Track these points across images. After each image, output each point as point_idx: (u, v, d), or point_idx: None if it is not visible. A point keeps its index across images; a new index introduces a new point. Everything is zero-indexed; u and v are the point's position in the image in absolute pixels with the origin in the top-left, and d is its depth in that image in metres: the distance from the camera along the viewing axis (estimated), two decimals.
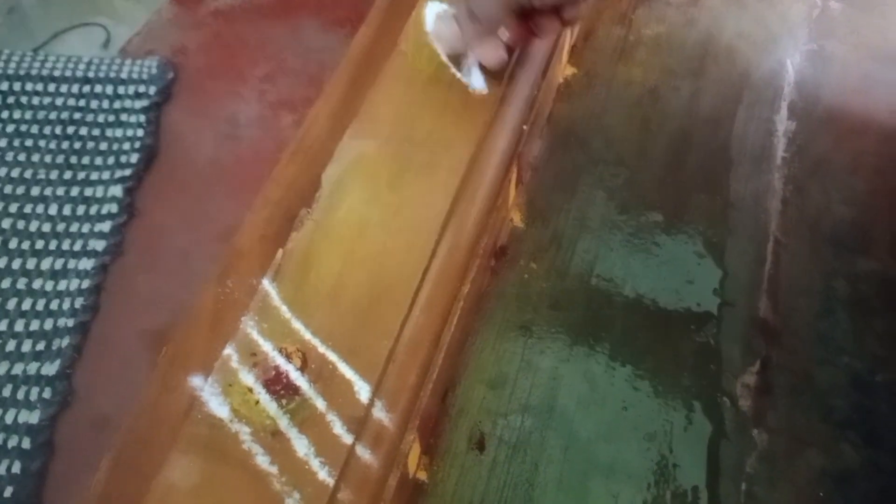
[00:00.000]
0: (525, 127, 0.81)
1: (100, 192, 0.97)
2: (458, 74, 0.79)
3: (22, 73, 1.10)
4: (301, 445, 0.57)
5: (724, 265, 0.82)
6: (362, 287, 0.65)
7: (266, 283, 0.65)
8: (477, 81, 0.78)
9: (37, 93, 1.07)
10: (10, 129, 1.03)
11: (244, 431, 0.57)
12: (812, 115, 0.96)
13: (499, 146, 0.77)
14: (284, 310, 0.63)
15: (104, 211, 0.95)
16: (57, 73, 1.09)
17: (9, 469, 0.75)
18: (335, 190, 0.71)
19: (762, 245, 0.83)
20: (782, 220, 0.85)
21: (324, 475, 0.55)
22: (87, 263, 0.90)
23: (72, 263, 0.90)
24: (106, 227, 0.94)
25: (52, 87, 1.08)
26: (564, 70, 0.98)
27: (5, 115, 1.05)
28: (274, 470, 0.56)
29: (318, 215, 0.69)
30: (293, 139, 0.81)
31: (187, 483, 0.56)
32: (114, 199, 0.96)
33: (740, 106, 0.96)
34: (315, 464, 0.56)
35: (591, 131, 0.93)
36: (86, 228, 0.93)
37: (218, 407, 0.59)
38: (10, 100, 1.07)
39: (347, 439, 0.57)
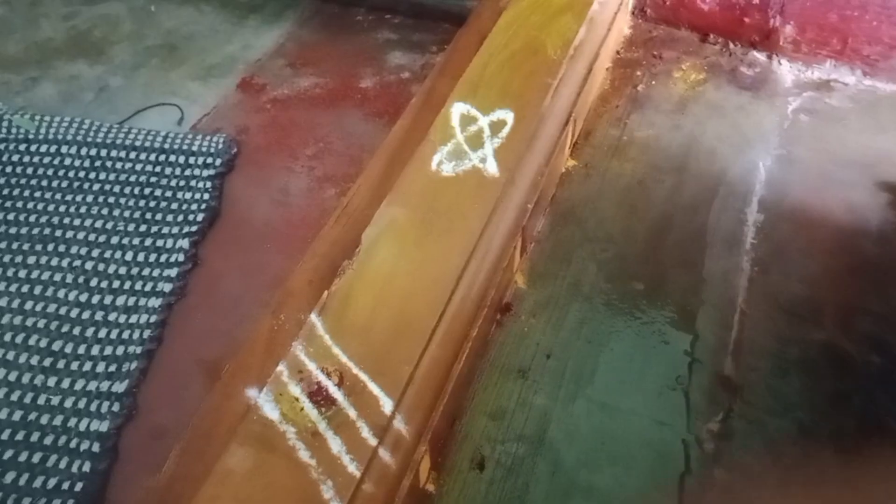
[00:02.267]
0: (529, 206, 0.97)
1: (169, 243, 1.14)
2: (476, 161, 0.96)
3: (108, 141, 1.30)
4: (335, 445, 0.70)
5: (696, 330, 0.96)
6: (390, 324, 0.80)
7: (313, 317, 0.80)
8: (491, 167, 0.96)
9: (120, 159, 1.27)
10: (96, 188, 1.22)
11: (290, 431, 0.71)
12: (778, 207, 1.12)
13: (506, 219, 0.93)
14: (327, 338, 0.78)
15: (172, 259, 1.12)
16: (138, 144, 1.29)
17: (80, 468, 0.89)
18: (372, 247, 0.87)
19: (729, 315, 0.98)
20: (747, 295, 1.00)
21: (352, 469, 0.69)
22: (155, 302, 1.06)
23: (142, 301, 1.06)
24: (173, 272, 1.10)
25: (133, 156, 1.27)
26: (567, 162, 1.16)
27: (93, 176, 1.24)
28: (313, 462, 0.69)
29: (357, 266, 0.85)
30: (339, 205, 0.98)
31: (242, 468, 0.69)
32: (181, 249, 1.13)
33: (716, 198, 1.13)
34: (346, 460, 0.69)
35: (587, 213, 1.09)
36: (156, 273, 1.10)
37: (270, 411, 0.73)
38: (98, 164, 1.26)
39: (372, 442, 0.71)
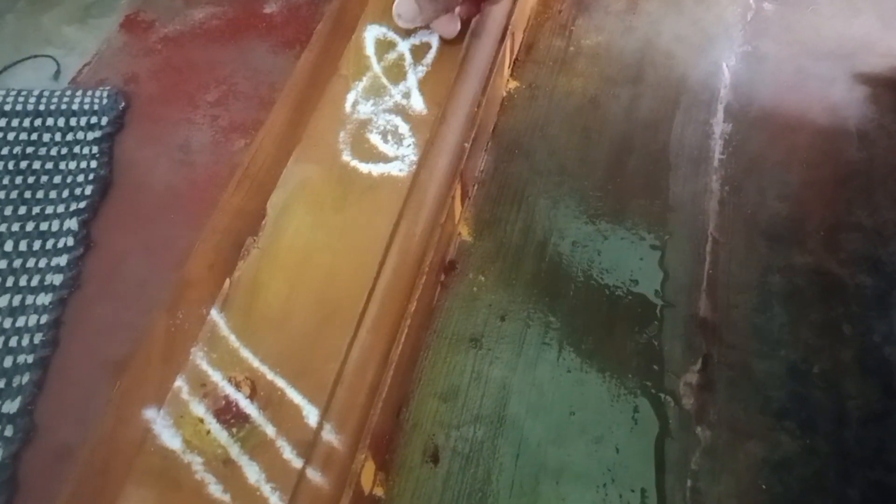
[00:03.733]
0: (466, 144, 0.83)
1: (55, 225, 0.97)
2: (399, 97, 0.81)
3: None
4: (252, 472, 0.58)
5: (665, 267, 0.85)
6: (309, 311, 0.67)
7: (214, 313, 0.67)
8: (416, 102, 0.80)
9: None
10: None
11: (196, 461, 0.59)
12: (747, 115, 0.99)
13: (440, 165, 0.79)
14: (233, 339, 0.65)
15: (60, 244, 0.96)
16: (7, 108, 1.09)
17: None
18: (280, 216, 0.73)
19: (701, 245, 0.87)
20: (720, 220, 0.89)
21: (275, 500, 0.57)
22: (45, 298, 0.91)
23: (30, 299, 0.91)
24: (63, 260, 0.95)
25: (2, 122, 1.08)
26: (507, 84, 1.00)
27: None
28: (226, 498, 0.57)
29: (264, 242, 0.71)
30: (240, 166, 0.83)
31: None
32: (70, 232, 0.97)
33: (678, 110, 0.99)
34: (266, 489, 0.58)
35: (535, 142, 0.95)
36: (43, 263, 0.94)
37: (170, 439, 0.60)
38: None
39: (297, 464, 0.59)
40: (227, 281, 0.68)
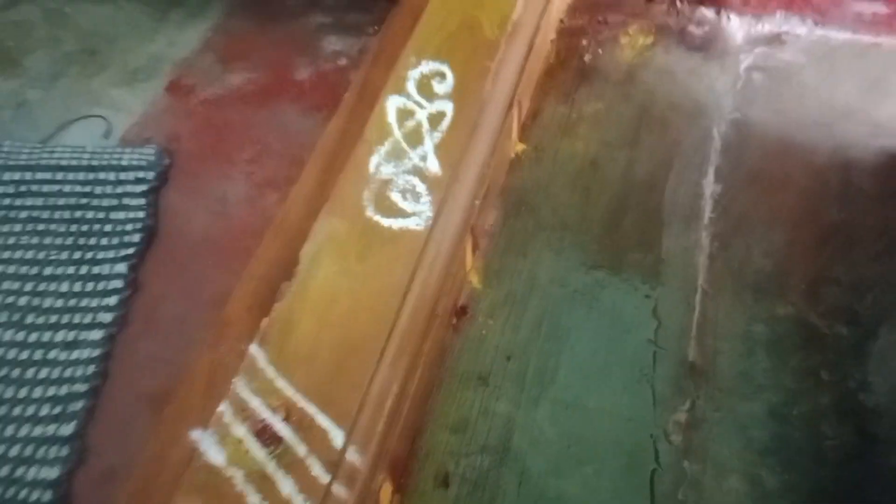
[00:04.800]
0: (477, 201, 0.93)
1: (106, 269, 1.08)
2: (417, 160, 0.91)
3: (32, 163, 1.22)
4: (286, 486, 0.66)
5: (658, 315, 0.93)
6: (336, 348, 0.75)
7: (253, 349, 0.76)
8: (433, 165, 0.91)
9: (46, 181, 1.19)
10: (23, 215, 1.15)
11: (237, 476, 0.67)
12: (736, 177, 1.08)
13: (453, 220, 0.89)
14: (270, 370, 0.74)
15: (111, 286, 1.06)
16: (64, 163, 1.21)
17: None
18: (311, 264, 0.83)
19: (691, 296, 0.95)
20: (709, 273, 0.97)
21: None
22: (96, 334, 1.01)
23: (83, 335, 1.01)
24: (113, 300, 1.05)
25: (59, 176, 1.20)
26: (515, 146, 1.11)
27: (19, 202, 1.17)
28: None
29: (297, 287, 0.80)
30: (275, 220, 0.93)
31: None
32: (119, 275, 1.07)
33: (671, 172, 1.09)
34: (298, 501, 0.66)
35: (540, 200, 1.05)
36: (94, 303, 1.04)
37: (215, 455, 0.69)
38: (23, 188, 1.18)
39: (325, 479, 0.67)
40: (265, 320, 0.78)
